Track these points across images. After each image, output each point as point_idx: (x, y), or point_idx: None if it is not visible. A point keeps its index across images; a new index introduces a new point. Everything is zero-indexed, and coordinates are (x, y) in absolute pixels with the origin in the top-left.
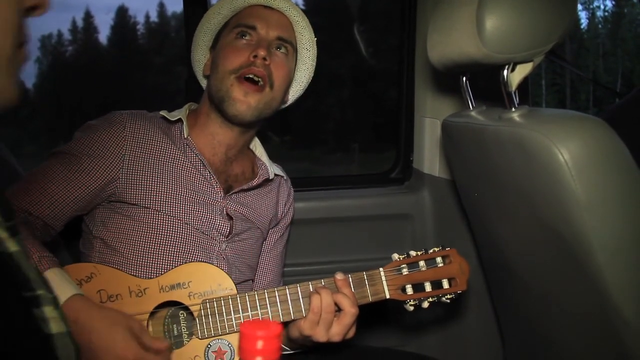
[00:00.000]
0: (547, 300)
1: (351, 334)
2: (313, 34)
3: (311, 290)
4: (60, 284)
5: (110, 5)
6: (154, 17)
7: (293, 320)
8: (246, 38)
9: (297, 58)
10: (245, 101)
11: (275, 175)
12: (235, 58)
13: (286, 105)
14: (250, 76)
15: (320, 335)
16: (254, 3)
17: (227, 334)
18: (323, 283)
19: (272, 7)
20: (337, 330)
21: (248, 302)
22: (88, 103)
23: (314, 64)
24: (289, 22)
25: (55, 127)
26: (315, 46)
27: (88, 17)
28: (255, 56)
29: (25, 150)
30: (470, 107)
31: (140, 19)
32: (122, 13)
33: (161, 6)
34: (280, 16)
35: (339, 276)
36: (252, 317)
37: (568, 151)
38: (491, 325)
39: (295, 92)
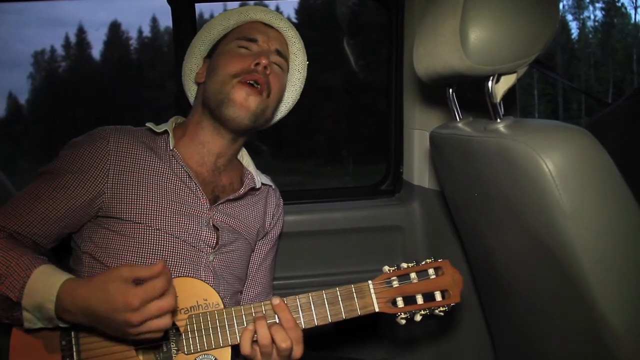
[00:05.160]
0: (538, 312)
1: (296, 355)
2: (306, 58)
3: (298, 303)
4: (56, 272)
5: (103, 21)
6: (146, 32)
7: None
8: (247, 49)
9: (287, 78)
10: (245, 104)
11: (263, 185)
12: (237, 63)
13: (270, 124)
14: (251, 82)
15: None
16: (257, 19)
17: (214, 349)
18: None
19: (272, 26)
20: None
21: (234, 317)
22: (81, 118)
23: (302, 86)
24: (286, 42)
25: (48, 143)
26: (306, 69)
27: (81, 32)
28: (257, 64)
29: (19, 166)
30: (457, 118)
31: (133, 34)
32: (114, 28)
33: (154, 21)
34: (279, 34)
35: (275, 301)
36: (238, 331)
37: (552, 161)
38: (483, 338)
39: (280, 111)
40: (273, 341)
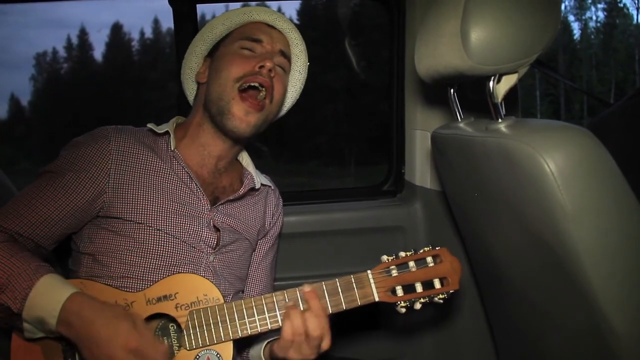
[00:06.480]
0: (539, 312)
1: (325, 346)
2: (307, 59)
3: (298, 296)
4: (60, 286)
5: (105, 22)
6: (148, 33)
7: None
8: (251, 50)
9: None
10: (245, 120)
11: (263, 185)
12: (241, 66)
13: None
14: (255, 84)
15: (293, 356)
16: (260, 20)
17: (215, 344)
18: (298, 293)
19: (275, 27)
20: (308, 351)
21: (235, 312)
22: (83, 119)
23: (302, 87)
24: (289, 43)
25: (50, 144)
26: (306, 71)
27: (83, 34)
28: (261, 66)
29: (21, 166)
30: (459, 118)
31: (135, 35)
32: (116, 30)
33: (156, 22)
34: (282, 35)
35: (306, 288)
36: (239, 326)
37: (553, 161)
38: (485, 335)
39: (279, 112)
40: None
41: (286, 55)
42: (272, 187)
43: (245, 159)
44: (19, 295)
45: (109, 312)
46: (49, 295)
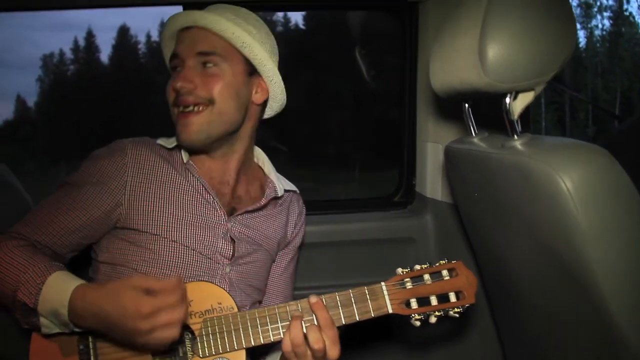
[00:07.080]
0: (552, 325)
1: (332, 357)
2: (245, 33)
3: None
4: (69, 279)
5: (112, 25)
6: (155, 36)
7: None
8: (178, 69)
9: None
10: (187, 130)
11: (286, 191)
12: (170, 91)
13: (282, 105)
14: (181, 108)
15: None
16: (172, 30)
17: (228, 352)
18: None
19: (190, 27)
20: None
21: (249, 321)
22: (89, 121)
23: (265, 57)
24: (213, 33)
25: (55, 145)
26: (253, 41)
27: (90, 36)
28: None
29: (26, 168)
30: (473, 133)
31: (142, 38)
32: (123, 32)
33: (162, 25)
34: (200, 31)
35: (312, 299)
36: (252, 335)
37: (571, 180)
38: (494, 347)
39: (273, 90)
40: (307, 341)
41: (207, 52)
42: (297, 193)
43: (267, 165)
44: (33, 291)
45: (109, 292)
46: (59, 287)
